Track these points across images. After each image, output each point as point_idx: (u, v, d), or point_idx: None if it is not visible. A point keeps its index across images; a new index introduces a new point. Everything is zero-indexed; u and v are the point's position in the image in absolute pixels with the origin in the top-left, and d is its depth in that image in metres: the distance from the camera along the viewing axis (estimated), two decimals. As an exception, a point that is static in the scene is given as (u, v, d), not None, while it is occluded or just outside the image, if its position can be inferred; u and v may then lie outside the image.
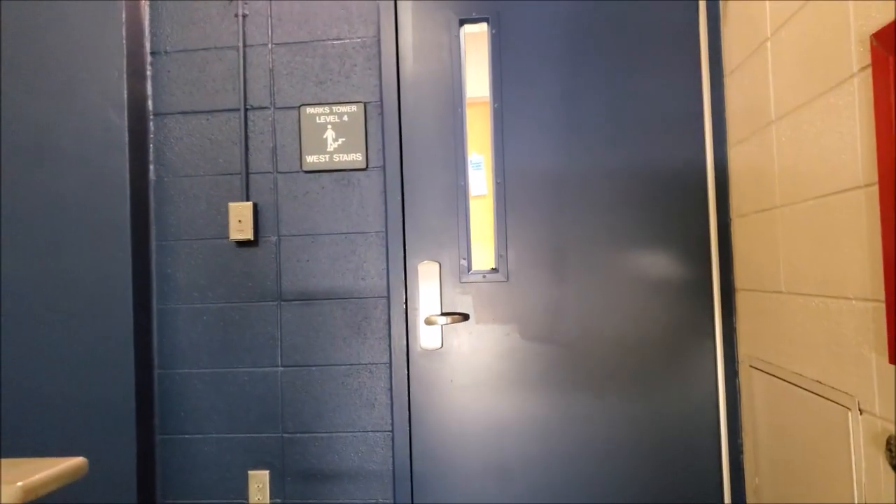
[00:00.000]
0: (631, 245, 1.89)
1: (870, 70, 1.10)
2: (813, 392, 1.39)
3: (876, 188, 1.10)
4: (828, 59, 1.26)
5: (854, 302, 1.21)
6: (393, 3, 1.97)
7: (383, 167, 1.97)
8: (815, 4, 1.30)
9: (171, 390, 2.00)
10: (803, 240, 1.40)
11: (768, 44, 1.53)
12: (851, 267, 1.21)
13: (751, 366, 1.76)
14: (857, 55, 1.15)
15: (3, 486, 0.69)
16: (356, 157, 1.97)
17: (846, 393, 1.25)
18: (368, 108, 1.98)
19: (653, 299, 1.89)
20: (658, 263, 1.89)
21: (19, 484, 0.71)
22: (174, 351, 2.00)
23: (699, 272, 1.88)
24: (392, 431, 1.94)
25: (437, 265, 1.94)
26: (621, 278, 1.90)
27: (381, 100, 1.97)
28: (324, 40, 2.00)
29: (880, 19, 1.07)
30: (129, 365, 1.88)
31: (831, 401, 1.30)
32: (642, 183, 1.89)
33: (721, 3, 1.85)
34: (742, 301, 1.81)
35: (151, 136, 2.04)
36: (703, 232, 1.87)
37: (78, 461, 0.84)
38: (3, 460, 0.82)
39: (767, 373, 1.64)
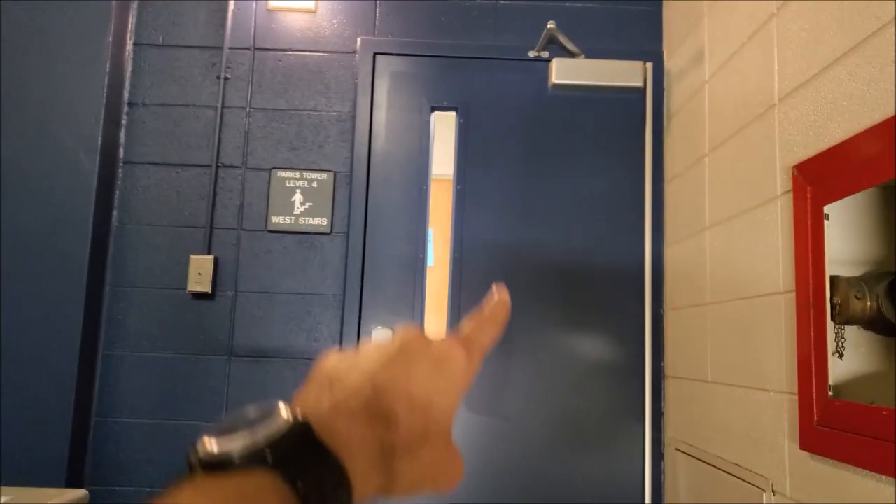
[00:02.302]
0: (573, 327, 2.03)
1: (791, 194, 1.30)
2: (732, 474, 1.51)
3: (793, 295, 1.27)
4: (756, 180, 1.46)
5: (772, 393, 1.36)
6: (370, 84, 2.12)
7: (347, 233, 2.06)
8: (747, 133, 1.52)
9: (107, 438, 1.94)
10: (730, 335, 1.57)
11: (706, 160, 1.74)
12: (771, 362, 1.37)
13: (676, 448, 1.89)
14: (781, 180, 1.35)
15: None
16: (321, 222, 2.05)
17: (762, 475, 1.38)
18: (338, 177, 2.09)
19: (590, 380, 2.01)
20: (596, 347, 2.03)
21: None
22: (115, 398, 1.96)
23: (634, 358, 2.02)
24: (331, 495, 1.94)
25: (390, 332, 2.01)
26: (562, 358, 2.02)
27: (352, 170, 2.08)
28: (301, 110, 2.12)
29: (801, 153, 1.28)
30: (67, 409, 1.83)
31: (748, 483, 1.43)
32: (587, 270, 2.05)
33: (665, 119, 2.09)
34: (671, 387, 1.96)
35: (119, 182, 2.06)
36: (639, 321, 2.03)
37: (81, 492, 0.85)
38: (11, 489, 0.83)
39: (691, 455, 1.77)
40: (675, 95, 2.02)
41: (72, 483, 1.84)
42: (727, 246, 1.60)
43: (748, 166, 1.51)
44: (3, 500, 0.77)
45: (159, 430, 1.95)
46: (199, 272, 1.98)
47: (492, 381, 2.00)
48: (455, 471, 0.34)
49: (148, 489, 1.93)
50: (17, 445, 1.82)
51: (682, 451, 1.84)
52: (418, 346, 0.35)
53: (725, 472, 1.55)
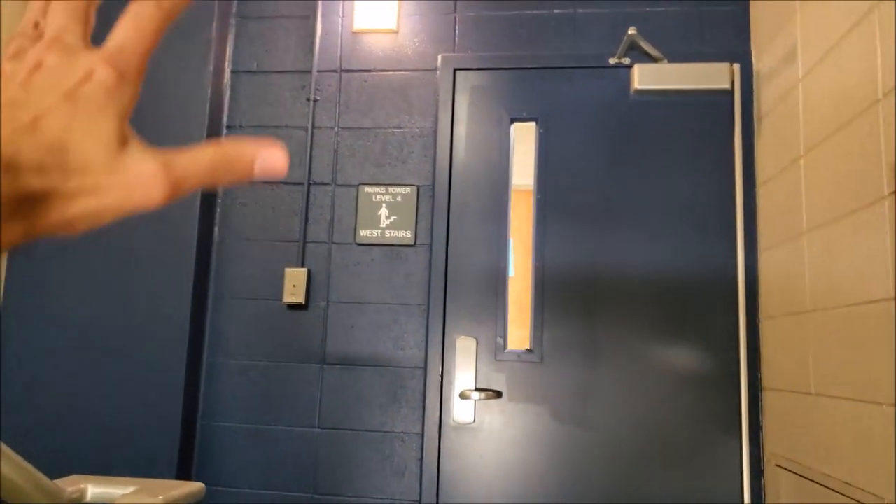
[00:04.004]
0: (662, 337, 1.98)
1: (898, 194, 1.23)
2: (842, 493, 1.43)
3: (904, 300, 1.20)
4: (859, 181, 1.39)
5: (884, 406, 1.28)
6: (451, 99, 2.17)
7: (430, 245, 2.10)
8: (847, 131, 1.44)
9: (211, 441, 2.06)
10: (834, 345, 1.49)
11: (801, 161, 1.67)
12: (881, 373, 1.29)
13: (777, 465, 1.80)
14: (888, 179, 1.28)
15: (149, 499, 0.79)
16: (406, 234, 2.11)
17: (876, 495, 1.29)
18: (421, 190, 2.14)
19: (681, 392, 1.95)
20: (688, 357, 1.97)
21: (160, 498, 0.80)
22: (218, 404, 2.09)
23: (727, 369, 1.95)
24: (419, 502, 1.97)
25: (474, 341, 2.03)
26: (651, 369, 1.97)
27: (434, 184, 2.13)
28: (385, 128, 2.19)
29: (907, 150, 1.21)
30: (176, 413, 1.97)
31: (861, 503, 1.35)
32: (675, 278, 2.00)
33: (755, 121, 2.02)
34: (769, 400, 1.87)
35: (219, 200, 2.20)
36: (732, 330, 1.96)
37: (199, 486, 0.93)
38: (140, 479, 0.92)
39: (794, 472, 1.68)
40: (766, 96, 1.95)
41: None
42: (829, 251, 1.52)
43: (849, 166, 1.43)
44: (132, 488, 0.86)
45: (258, 434, 2.05)
46: (294, 284, 2.08)
47: (577, 391, 1.98)
48: (143, 188, 0.29)
49: (247, 489, 2.03)
50: (133, 445, 1.97)
51: (783, 468, 1.75)
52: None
53: (834, 490, 1.46)
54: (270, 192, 2.19)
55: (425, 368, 2.04)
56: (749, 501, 1.88)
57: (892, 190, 1.26)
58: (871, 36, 1.36)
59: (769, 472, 1.85)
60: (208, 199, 2.14)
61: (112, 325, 2.04)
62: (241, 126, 2.24)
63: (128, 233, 2.07)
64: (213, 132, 2.17)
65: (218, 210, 2.20)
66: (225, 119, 2.24)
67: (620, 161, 2.08)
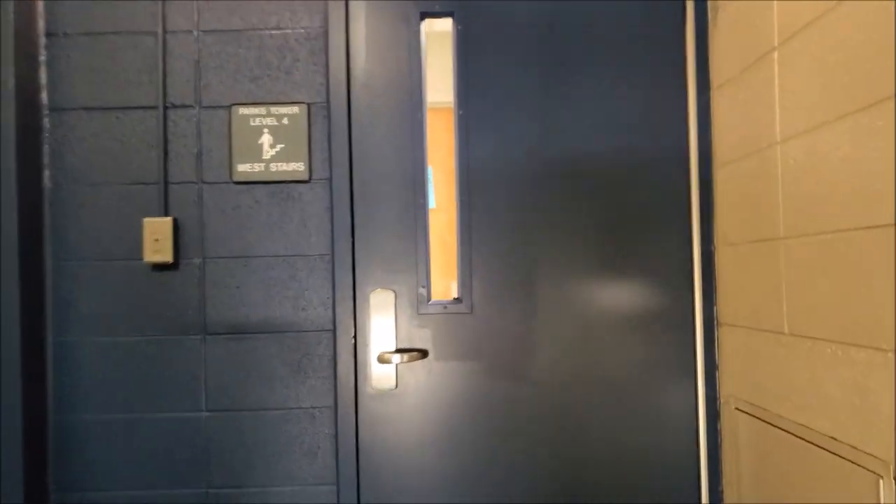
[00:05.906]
0: (607, 273, 1.71)
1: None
2: (825, 449, 1.23)
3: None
4: (860, 75, 1.10)
5: (889, 354, 1.05)
6: (343, -11, 1.71)
7: (329, 179, 1.70)
8: (841, 13, 1.14)
9: (70, 440, 1.67)
10: (816, 278, 1.24)
11: (775, 54, 1.37)
12: (882, 312, 1.05)
13: (736, 408, 1.60)
14: (902, 74, 0.99)
15: None
16: (297, 167, 1.70)
17: (874, 456, 1.09)
18: (313, 109, 1.71)
19: (630, 333, 1.71)
20: (636, 294, 1.71)
21: None
22: (74, 393, 1.67)
23: (680, 304, 1.71)
24: (337, 485, 1.68)
25: (391, 294, 1.69)
26: (596, 309, 1.71)
27: (328, 101, 1.70)
28: (261, 29, 1.72)
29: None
30: (14, 410, 1.55)
31: (853, 462, 1.15)
32: (620, 205, 1.71)
33: (710, 3, 1.69)
34: (727, 337, 1.65)
35: (46, 134, 1.69)
36: (686, 261, 1.70)
37: None
38: None
39: (758, 418, 1.48)
40: (726, -23, 1.62)
41: (33, 496, 1.58)
42: (811, 165, 1.25)
43: (846, 56, 1.14)
44: None
45: (131, 424, 1.67)
46: (157, 238, 1.65)
47: (516, 344, 1.69)
48: None
49: (124, 492, 1.66)
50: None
51: (744, 412, 1.55)
52: None
53: (815, 444, 1.26)
54: (115, 121, 1.70)
55: (334, 330, 1.69)
56: (704, 446, 1.69)
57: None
58: None
59: (727, 415, 1.66)
60: (29, 133, 1.63)
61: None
62: (66, 34, 1.70)
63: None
64: (25, 42, 1.63)
65: (46, 147, 1.69)
66: (42, 24, 1.70)
67: (556, 64, 1.72)
